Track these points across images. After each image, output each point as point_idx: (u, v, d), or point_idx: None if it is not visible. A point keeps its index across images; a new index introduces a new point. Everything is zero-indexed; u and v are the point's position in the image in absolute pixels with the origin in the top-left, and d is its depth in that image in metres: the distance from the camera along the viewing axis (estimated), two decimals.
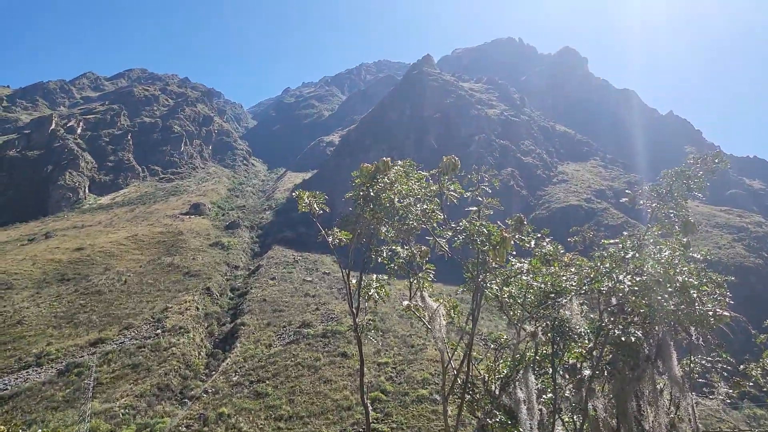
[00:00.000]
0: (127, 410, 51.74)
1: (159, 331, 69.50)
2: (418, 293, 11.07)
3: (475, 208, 10.94)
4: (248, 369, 60.95)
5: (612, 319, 9.66)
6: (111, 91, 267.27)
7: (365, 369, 58.82)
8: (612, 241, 10.26)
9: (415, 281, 11.66)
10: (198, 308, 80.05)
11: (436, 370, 57.74)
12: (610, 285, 9.14)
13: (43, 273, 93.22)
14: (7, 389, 55.87)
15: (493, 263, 9.73)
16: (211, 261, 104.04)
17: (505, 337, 12.85)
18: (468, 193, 11.16)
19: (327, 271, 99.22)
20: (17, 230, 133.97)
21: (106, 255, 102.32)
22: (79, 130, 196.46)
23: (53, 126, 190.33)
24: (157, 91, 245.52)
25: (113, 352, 63.84)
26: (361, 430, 48.25)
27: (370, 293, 10.14)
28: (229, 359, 64.36)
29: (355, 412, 50.73)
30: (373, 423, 49.01)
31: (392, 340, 65.03)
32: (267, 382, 57.41)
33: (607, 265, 9.26)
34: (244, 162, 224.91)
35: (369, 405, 9.26)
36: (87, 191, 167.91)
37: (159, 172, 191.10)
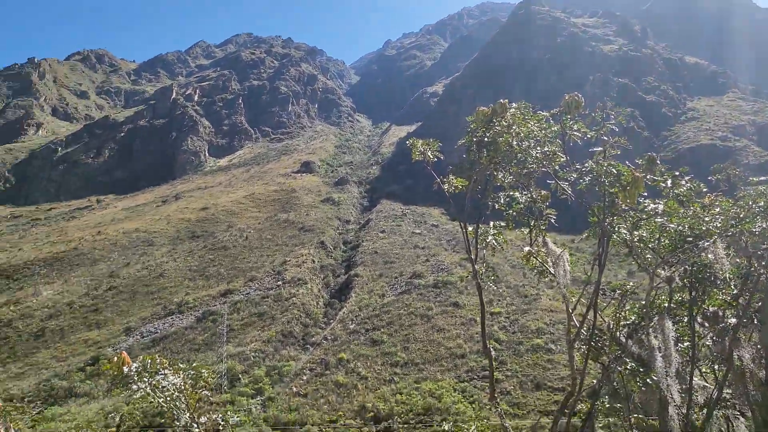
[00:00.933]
0: (256, 354, 56.58)
1: (279, 282, 74.43)
2: (540, 239, 10.79)
3: (600, 149, 10.35)
4: (363, 318, 63.77)
5: (763, 263, 8.83)
6: (221, 58, 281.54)
7: (478, 318, 59.18)
8: (762, 178, 9.26)
9: (535, 227, 11.35)
10: (314, 261, 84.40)
11: (551, 320, 56.83)
12: (764, 225, 8.30)
13: (176, 231, 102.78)
14: (158, 332, 63.35)
15: (623, 205, 9.21)
16: (324, 216, 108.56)
17: (631, 284, 12.28)
18: (592, 133, 10.55)
19: (435, 224, 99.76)
20: (152, 193, 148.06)
21: (228, 213, 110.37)
22: (196, 98, 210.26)
23: (174, 95, 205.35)
24: (262, 53, 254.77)
25: (241, 301, 69.59)
26: (476, 377, 49.09)
27: (487, 240, 10.00)
28: (345, 308, 67.67)
29: (469, 360, 51.57)
30: (487, 371, 49.63)
31: (505, 291, 64.64)
32: (382, 330, 59.80)
33: (762, 203, 8.38)
34: (349, 118, 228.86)
35: (492, 350, 9.27)
36: (207, 155, 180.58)
37: (269, 133, 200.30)
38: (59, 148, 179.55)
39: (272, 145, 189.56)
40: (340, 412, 46.16)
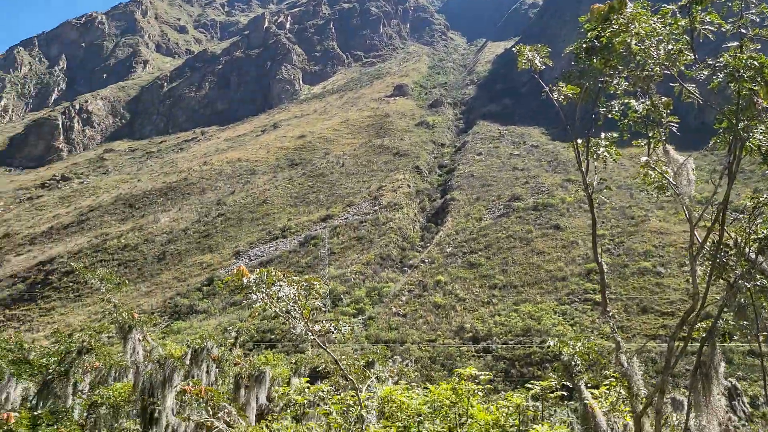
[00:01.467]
0: (357, 276, 59.08)
1: (376, 207, 76.01)
2: (659, 148, 9.88)
3: (735, 44, 9.08)
4: (460, 241, 64.04)
5: None
6: None
7: (580, 241, 57.40)
8: None
9: (653, 137, 10.37)
10: (409, 186, 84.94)
11: (660, 243, 53.95)
12: None
13: (276, 159, 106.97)
14: (264, 255, 67.74)
15: (765, 103, 8.12)
16: (418, 140, 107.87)
17: (765, 196, 11.09)
18: (727, 26, 9.24)
19: (535, 144, 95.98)
20: (251, 123, 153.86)
21: (324, 140, 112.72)
22: (287, 25, 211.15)
23: (266, 24, 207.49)
24: None
25: (340, 226, 72.18)
26: (577, 299, 48.31)
27: (599, 152, 9.31)
28: (441, 232, 68.19)
29: (570, 283, 50.66)
30: (589, 294, 48.58)
31: (609, 213, 61.79)
32: (479, 253, 59.88)
33: None
34: (443, 37, 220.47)
35: (603, 263, 8.80)
36: (301, 83, 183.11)
37: (361, 57, 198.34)
38: (165, 84, 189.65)
39: (365, 69, 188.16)
40: (439, 332, 47.62)
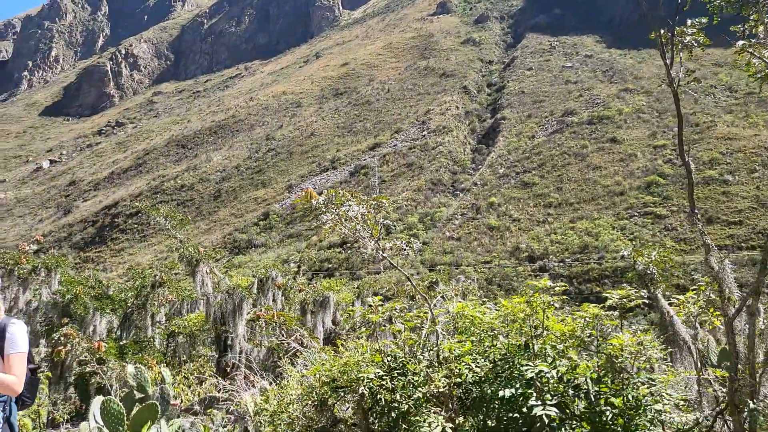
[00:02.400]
0: (408, 202, 59.23)
1: (425, 132, 74.87)
2: (760, 30, 8.96)
3: None
4: (513, 161, 62.67)
5: None
6: None
7: (639, 153, 55.09)
8: None
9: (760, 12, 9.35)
10: (458, 107, 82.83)
11: (728, 149, 51.09)
12: None
13: (321, 90, 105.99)
14: (315, 188, 68.60)
15: None
16: (464, 59, 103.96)
17: None
18: None
19: (588, 54, 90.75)
20: (293, 55, 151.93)
21: (367, 67, 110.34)
22: None
23: None
24: None
25: (389, 154, 71.79)
26: (636, 214, 46.97)
27: (685, 41, 8.49)
28: (493, 153, 66.82)
29: (629, 197, 49.13)
30: (650, 207, 47.12)
31: (671, 121, 58.61)
32: (533, 172, 58.57)
33: None
34: None
35: (691, 163, 8.16)
36: (341, 8, 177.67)
37: None
38: (205, 21, 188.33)
39: None
40: (494, 253, 47.65)
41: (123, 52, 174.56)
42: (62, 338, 9.12)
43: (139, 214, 74.80)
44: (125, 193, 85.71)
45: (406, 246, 4.83)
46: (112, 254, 69.11)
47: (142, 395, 7.16)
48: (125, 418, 6.51)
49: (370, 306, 5.85)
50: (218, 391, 8.39)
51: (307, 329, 8.53)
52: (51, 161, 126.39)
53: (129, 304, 12.71)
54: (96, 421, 6.38)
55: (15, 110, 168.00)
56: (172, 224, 13.08)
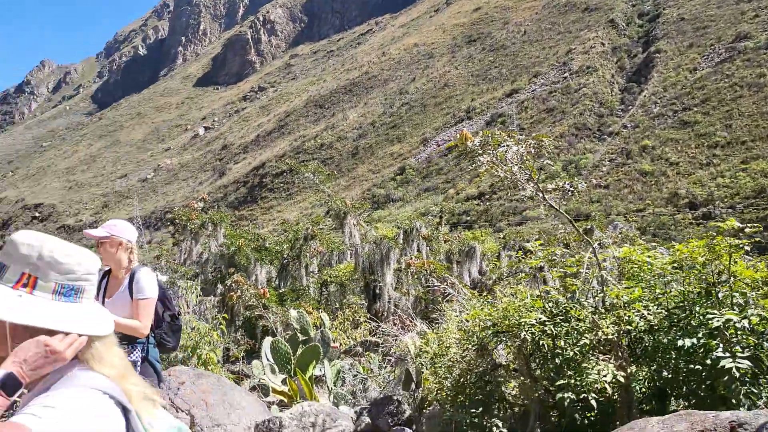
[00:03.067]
0: (550, 150, 56.60)
1: (566, 74, 70.38)
2: None
3: None
4: (670, 98, 56.85)
5: None
6: None
7: None
8: None
9: None
10: (603, 44, 76.44)
11: None
12: None
13: (453, 38, 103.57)
14: (451, 140, 68.13)
15: None
16: None
17: None
18: None
19: None
20: (423, 5, 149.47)
21: (501, 9, 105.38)
22: None
23: None
24: None
25: (527, 100, 68.75)
26: None
27: None
28: (645, 91, 61.10)
29: None
30: None
31: None
32: (694, 109, 52.76)
33: None
34: None
35: None
36: None
37: None
38: None
39: None
40: (648, 201, 44.16)
41: (261, 18, 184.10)
42: (233, 285, 10.17)
43: (284, 174, 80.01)
44: (271, 155, 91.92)
45: (570, 186, 4.57)
46: (263, 212, 74.98)
47: (305, 338, 7.76)
48: (292, 357, 7.13)
49: (525, 253, 5.72)
50: (372, 336, 8.86)
51: (457, 277, 8.62)
52: (206, 128, 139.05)
53: (285, 256, 13.71)
54: (267, 359, 7.06)
55: (173, 83, 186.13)
56: (320, 179, 13.78)
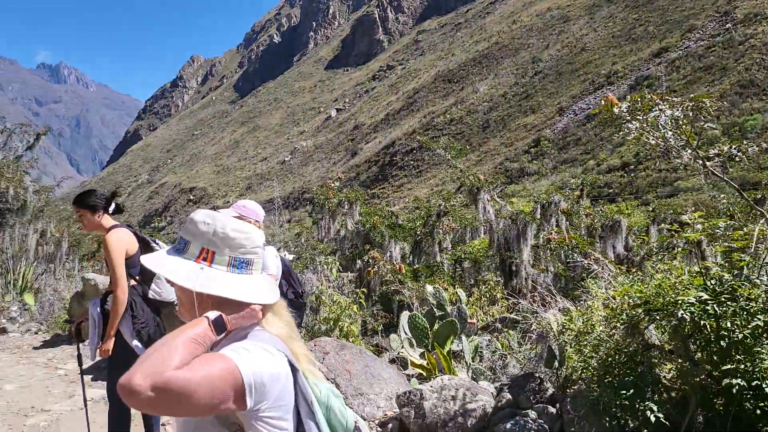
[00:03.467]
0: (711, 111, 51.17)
1: (728, 24, 62.91)
2: None
3: None
4: None
5: None
6: None
7: None
8: None
9: None
10: None
11: None
12: None
13: None
14: (590, 107, 64.24)
15: None
16: None
17: None
18: None
19: None
20: None
21: None
22: None
23: None
24: None
25: (679, 58, 62.59)
26: None
27: None
28: None
29: None
30: None
31: None
32: None
33: None
34: None
35: None
36: None
37: None
38: None
39: None
40: None
41: None
42: (370, 260, 10.57)
43: (414, 151, 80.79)
44: (400, 133, 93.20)
45: (738, 151, 4.11)
46: (394, 190, 76.52)
47: (442, 313, 7.86)
48: (429, 332, 7.27)
49: (681, 226, 5.26)
50: (510, 313, 8.75)
51: (600, 253, 8.19)
52: (337, 110, 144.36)
53: (418, 233, 13.93)
54: (405, 333, 7.27)
55: (306, 68, 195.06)
56: (451, 155, 13.76)
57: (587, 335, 4.61)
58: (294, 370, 1.60)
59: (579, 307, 5.12)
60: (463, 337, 6.80)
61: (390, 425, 4.97)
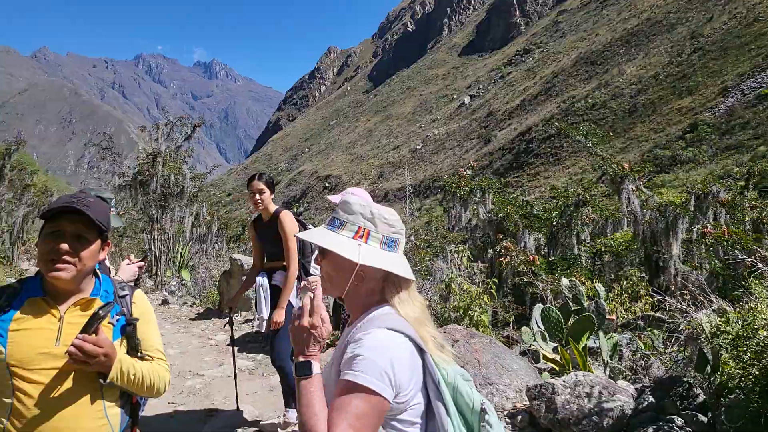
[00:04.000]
0: None
1: None
2: None
3: None
4: None
5: None
6: None
7: None
8: None
9: None
10: None
11: None
12: None
13: None
14: (762, 86, 57.39)
15: None
16: None
17: None
18: None
19: None
20: None
21: None
22: None
23: None
24: None
25: None
26: None
27: None
28: None
29: None
30: None
31: None
32: None
33: None
34: None
35: None
36: None
37: None
38: None
39: None
40: None
41: None
42: (502, 250, 10.41)
43: (551, 138, 77.71)
44: (537, 119, 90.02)
45: None
46: (529, 178, 74.25)
47: (578, 307, 7.55)
48: (563, 326, 7.02)
49: None
50: (655, 311, 8.16)
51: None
52: (471, 96, 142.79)
53: (554, 223, 13.45)
54: (538, 325, 7.09)
55: (440, 55, 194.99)
56: (592, 142, 13.05)
57: (747, 340, 4.20)
58: (422, 352, 1.69)
59: (739, 310, 4.67)
60: (601, 334, 6.48)
61: (519, 417, 4.90)
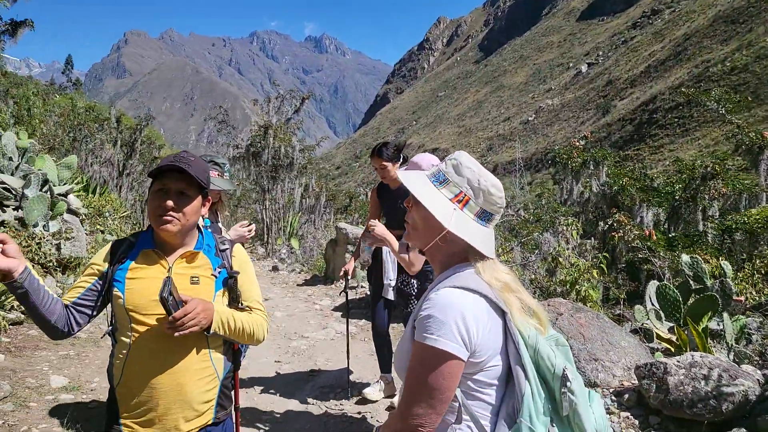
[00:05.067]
0: None
1: None
2: None
3: None
4: None
5: None
6: None
7: None
8: None
9: None
10: None
11: None
12: None
13: None
14: None
15: None
16: None
17: None
18: None
19: None
20: None
21: None
22: None
23: None
24: None
25: None
26: None
27: None
28: None
29: None
30: None
31: None
32: None
33: None
34: None
35: None
36: None
37: None
38: None
39: None
40: None
41: None
42: (615, 224, 9.88)
43: (680, 107, 72.04)
44: (663, 86, 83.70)
45: None
46: (651, 151, 69.56)
47: (699, 286, 7.03)
48: (681, 305, 6.57)
49: None
50: None
51: None
52: (588, 64, 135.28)
53: (676, 197, 12.56)
54: (652, 304, 6.69)
55: (555, 21, 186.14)
56: (726, 108, 11.90)
57: None
58: (502, 314, 1.65)
59: None
60: (725, 315, 5.99)
61: (626, 395, 4.70)
